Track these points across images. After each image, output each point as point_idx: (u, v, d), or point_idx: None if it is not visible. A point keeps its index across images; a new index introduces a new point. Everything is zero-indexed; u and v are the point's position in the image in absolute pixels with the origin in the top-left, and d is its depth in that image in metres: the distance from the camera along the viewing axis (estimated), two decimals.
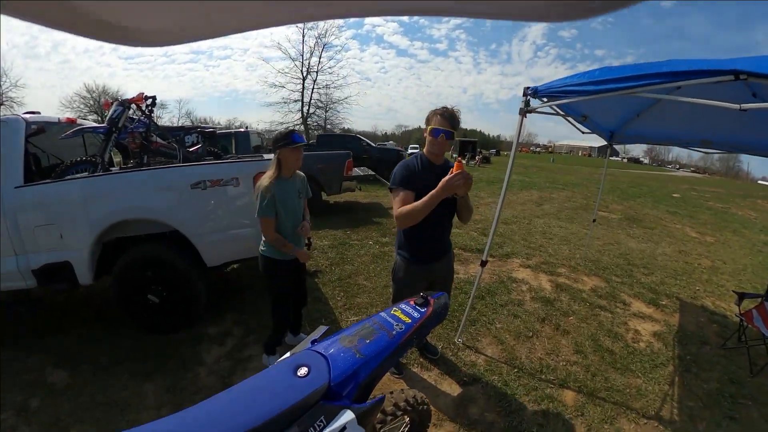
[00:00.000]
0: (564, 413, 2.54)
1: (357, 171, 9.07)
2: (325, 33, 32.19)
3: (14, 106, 33.51)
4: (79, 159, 3.77)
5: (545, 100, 2.80)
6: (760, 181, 57.83)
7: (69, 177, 3.48)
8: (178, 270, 3.16)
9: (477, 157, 28.97)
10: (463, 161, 2.05)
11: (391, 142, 47.67)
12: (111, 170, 4.00)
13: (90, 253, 3.08)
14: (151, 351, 3.07)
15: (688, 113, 3.48)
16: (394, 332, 1.36)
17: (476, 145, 35.29)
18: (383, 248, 5.61)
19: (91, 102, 41.57)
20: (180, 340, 3.21)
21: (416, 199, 2.11)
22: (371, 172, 9.90)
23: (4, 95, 32.83)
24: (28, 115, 3.43)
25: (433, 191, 2.00)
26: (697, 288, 5.06)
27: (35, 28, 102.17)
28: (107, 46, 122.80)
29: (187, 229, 3.10)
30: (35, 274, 3.07)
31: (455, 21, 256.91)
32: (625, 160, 73.93)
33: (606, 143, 4.88)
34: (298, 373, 1.16)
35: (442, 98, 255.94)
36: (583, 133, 4.43)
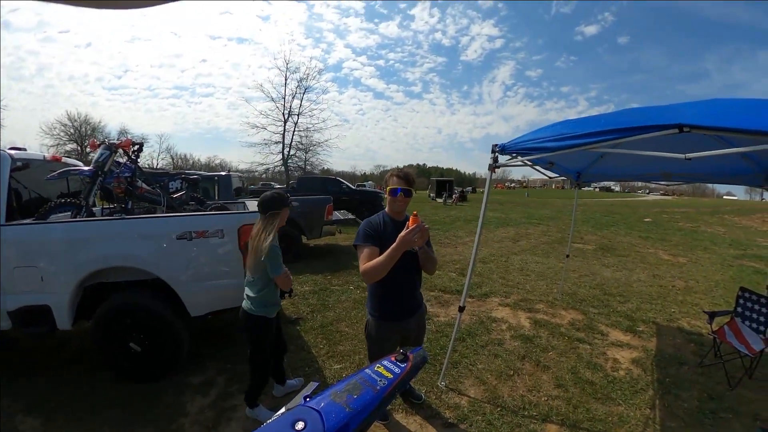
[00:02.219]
0: None
1: (337, 215, 9.23)
2: (307, 77, 32.93)
3: None
4: (63, 201, 3.71)
5: (513, 155, 3.01)
6: (725, 196, 60.26)
7: (53, 218, 3.46)
8: (161, 318, 3.14)
9: (454, 196, 29.59)
10: (419, 215, 2.14)
11: (370, 182, 48.12)
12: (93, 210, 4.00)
13: (71, 297, 3.03)
14: (130, 400, 2.98)
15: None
16: (378, 387, 1.47)
17: (452, 185, 36.22)
18: (364, 293, 5.57)
19: (72, 130, 40.49)
20: (161, 389, 3.13)
21: (381, 253, 2.19)
22: (351, 216, 10.06)
23: None
24: (13, 151, 3.41)
25: (393, 246, 2.08)
26: (673, 310, 5.22)
27: (23, 49, 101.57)
28: (92, 75, 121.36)
29: (171, 279, 3.11)
30: (11, 315, 3.00)
31: (428, 65, 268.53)
32: (597, 189, 76.12)
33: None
34: (296, 428, 1.26)
35: (418, 138, 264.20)
36: (550, 178, 4.71)
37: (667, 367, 3.64)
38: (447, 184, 35.22)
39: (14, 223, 3.12)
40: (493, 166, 3.01)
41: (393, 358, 1.65)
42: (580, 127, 2.46)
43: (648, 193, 73.20)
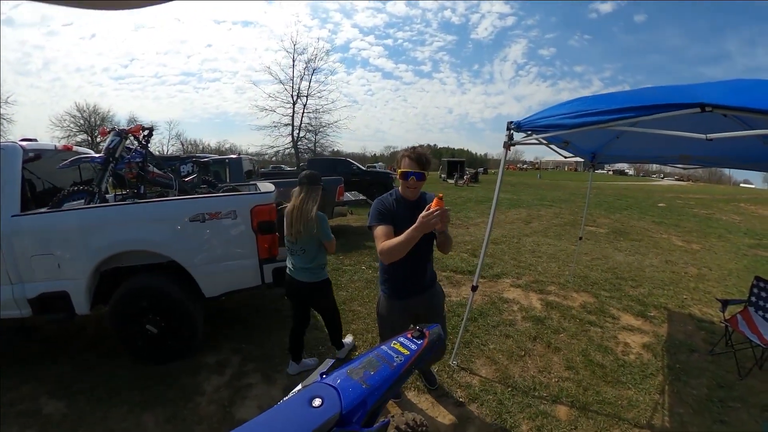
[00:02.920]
0: (558, 428, 2.61)
1: (348, 195, 9.21)
2: (315, 58, 32.57)
3: (4, 123, 33.17)
4: (76, 189, 3.77)
5: (529, 132, 2.96)
6: (742, 184, 58.69)
7: (66, 206, 3.51)
8: (176, 300, 3.19)
9: (465, 177, 29.30)
10: (443, 197, 1.96)
11: (380, 163, 47.79)
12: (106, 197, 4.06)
13: (88, 282, 3.10)
14: (148, 381, 3.07)
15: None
16: (395, 363, 1.47)
17: (464, 165, 35.80)
18: (376, 273, 5.63)
19: (81, 121, 41.05)
20: (177, 370, 3.22)
21: (395, 233, 2.11)
22: (362, 196, 9.99)
23: None
24: (24, 143, 3.46)
25: (411, 228, 1.94)
26: (685, 297, 5.19)
27: (28, 45, 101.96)
28: (98, 65, 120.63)
29: (185, 261, 3.16)
30: (31, 303, 3.07)
31: (438, 43, 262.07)
32: (610, 173, 74.77)
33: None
34: (313, 404, 1.26)
35: (429, 119, 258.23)
36: (565, 158, 4.65)
37: (677, 353, 3.65)
38: (458, 164, 34.77)
39: (29, 212, 3.17)
40: (508, 143, 2.94)
41: (409, 335, 1.66)
42: (598, 104, 2.38)
43: (662, 178, 71.56)
